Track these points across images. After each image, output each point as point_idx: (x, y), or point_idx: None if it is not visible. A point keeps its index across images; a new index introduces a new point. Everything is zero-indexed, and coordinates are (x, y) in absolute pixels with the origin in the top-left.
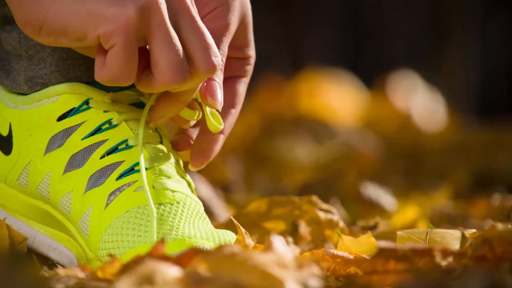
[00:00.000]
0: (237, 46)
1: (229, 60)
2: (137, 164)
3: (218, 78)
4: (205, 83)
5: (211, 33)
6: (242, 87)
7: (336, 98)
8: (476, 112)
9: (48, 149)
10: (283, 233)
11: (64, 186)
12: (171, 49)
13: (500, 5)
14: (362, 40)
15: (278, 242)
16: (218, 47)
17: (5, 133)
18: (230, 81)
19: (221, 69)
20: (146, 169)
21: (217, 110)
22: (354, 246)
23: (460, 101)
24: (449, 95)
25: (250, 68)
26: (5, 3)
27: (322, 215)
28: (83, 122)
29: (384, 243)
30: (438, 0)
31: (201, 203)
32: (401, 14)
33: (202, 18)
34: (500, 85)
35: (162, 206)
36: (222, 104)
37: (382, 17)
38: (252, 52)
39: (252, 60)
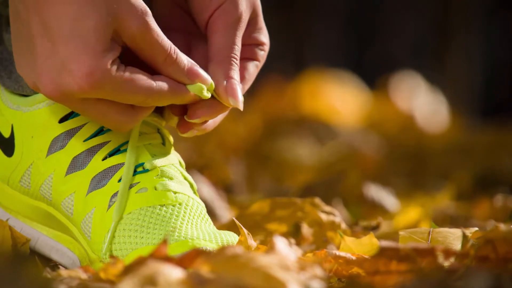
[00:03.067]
0: (248, 33)
1: (243, 48)
2: (139, 165)
3: (236, 75)
4: (225, 83)
5: (223, 28)
6: (252, 67)
7: (339, 98)
8: (479, 112)
9: (50, 150)
10: (285, 235)
11: (66, 188)
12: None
13: (503, 5)
14: (364, 40)
15: (281, 243)
16: (233, 41)
17: (7, 134)
18: (241, 61)
19: (237, 64)
20: (148, 170)
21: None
22: (356, 247)
23: (463, 101)
24: (452, 95)
25: (263, 54)
26: (8, 4)
27: (324, 216)
28: (84, 124)
29: (386, 243)
30: (441, 1)
31: (203, 204)
32: (404, 15)
33: (211, 14)
34: (503, 86)
35: (164, 208)
36: (242, 102)
37: (385, 17)
38: (265, 38)
39: (266, 47)
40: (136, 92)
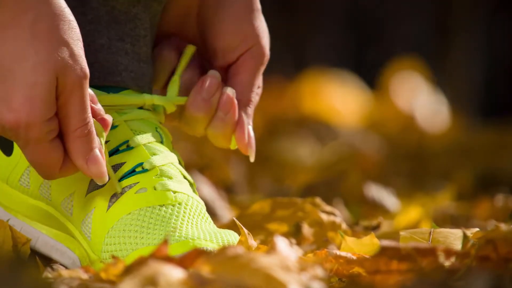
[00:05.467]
0: None
1: None
2: (139, 165)
3: (251, 118)
4: (241, 129)
5: (250, 70)
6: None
7: (339, 99)
8: (480, 113)
9: None
10: (286, 235)
11: (66, 188)
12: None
13: (504, 6)
14: (365, 40)
15: (282, 243)
16: (256, 83)
17: None
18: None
19: (255, 105)
20: (147, 170)
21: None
22: (357, 247)
23: (464, 102)
24: (452, 96)
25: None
26: None
27: (325, 217)
28: None
29: (387, 242)
30: (442, 1)
31: (203, 203)
32: (405, 15)
33: (239, 56)
34: (504, 86)
35: (164, 208)
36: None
37: (386, 17)
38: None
39: (260, 90)
40: (37, 162)
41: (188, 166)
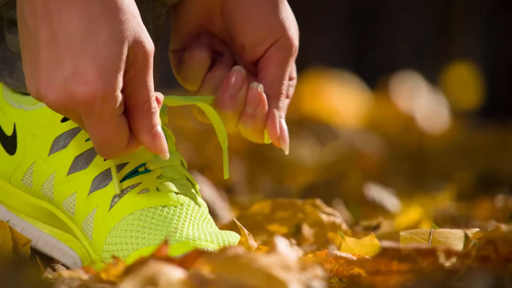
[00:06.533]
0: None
1: None
2: (141, 165)
3: (283, 112)
4: (273, 123)
5: (278, 63)
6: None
7: (340, 99)
8: (480, 113)
9: (52, 149)
10: (286, 236)
11: (68, 187)
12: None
13: (504, 6)
14: (365, 41)
15: (282, 243)
16: (285, 76)
17: (9, 133)
18: None
19: (284, 97)
20: (150, 170)
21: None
22: (357, 248)
23: (464, 102)
24: (452, 96)
25: (293, 90)
26: (12, 6)
27: (325, 217)
28: None
29: (387, 243)
30: (442, 1)
31: (205, 204)
32: (405, 15)
33: (267, 49)
34: (504, 87)
35: (166, 208)
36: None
37: (386, 18)
38: (294, 72)
39: (295, 81)
40: (106, 138)
41: (189, 166)
